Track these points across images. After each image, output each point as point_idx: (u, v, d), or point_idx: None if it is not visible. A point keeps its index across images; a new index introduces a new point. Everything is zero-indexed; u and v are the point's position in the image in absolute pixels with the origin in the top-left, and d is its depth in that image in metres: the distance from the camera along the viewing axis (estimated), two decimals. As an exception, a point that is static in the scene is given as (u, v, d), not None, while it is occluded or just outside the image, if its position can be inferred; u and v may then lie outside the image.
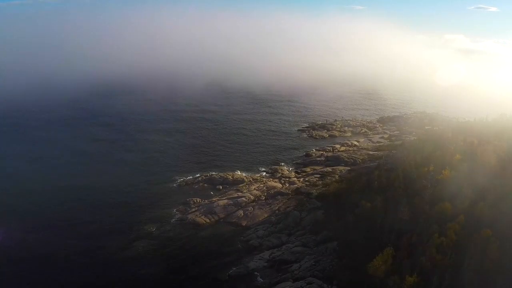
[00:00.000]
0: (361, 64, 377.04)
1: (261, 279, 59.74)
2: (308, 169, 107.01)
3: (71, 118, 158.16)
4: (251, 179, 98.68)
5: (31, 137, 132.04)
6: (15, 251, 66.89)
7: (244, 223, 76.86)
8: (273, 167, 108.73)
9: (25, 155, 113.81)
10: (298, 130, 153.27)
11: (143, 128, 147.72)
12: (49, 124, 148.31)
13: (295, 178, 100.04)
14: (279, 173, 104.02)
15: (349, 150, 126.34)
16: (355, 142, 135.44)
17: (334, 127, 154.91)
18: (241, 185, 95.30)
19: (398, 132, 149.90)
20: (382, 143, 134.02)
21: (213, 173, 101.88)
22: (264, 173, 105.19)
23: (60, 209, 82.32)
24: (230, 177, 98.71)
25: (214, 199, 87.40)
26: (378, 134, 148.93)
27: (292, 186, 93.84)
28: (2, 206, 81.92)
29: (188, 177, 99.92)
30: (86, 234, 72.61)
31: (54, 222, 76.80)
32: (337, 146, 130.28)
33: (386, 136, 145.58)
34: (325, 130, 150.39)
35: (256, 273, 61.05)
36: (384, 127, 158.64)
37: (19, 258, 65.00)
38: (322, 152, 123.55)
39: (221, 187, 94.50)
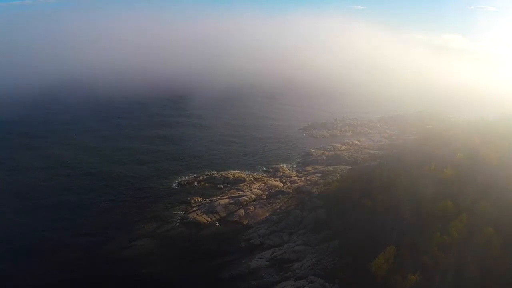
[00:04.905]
0: (359, 64, 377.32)
1: (262, 278, 59.49)
2: (309, 168, 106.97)
3: (62, 122, 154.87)
4: (252, 178, 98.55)
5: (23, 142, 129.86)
6: (14, 251, 66.65)
7: (245, 222, 76.73)
8: (274, 166, 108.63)
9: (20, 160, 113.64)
10: (299, 129, 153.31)
11: (141, 129, 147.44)
12: (35, 129, 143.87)
13: (296, 177, 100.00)
14: (280, 172, 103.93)
15: (350, 149, 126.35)
16: (356, 142, 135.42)
17: (335, 126, 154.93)
18: (242, 184, 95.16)
19: (399, 131, 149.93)
20: (383, 143, 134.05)
21: (214, 172, 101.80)
22: (265, 172, 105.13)
23: (59, 209, 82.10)
24: (231, 176, 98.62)
25: (215, 198, 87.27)
26: (379, 133, 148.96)
27: (293, 185, 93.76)
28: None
29: (189, 177, 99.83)
30: (87, 234, 72.40)
31: (54, 223, 76.59)
32: (338, 145, 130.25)
33: (387, 135, 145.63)
34: (326, 130, 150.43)
35: (257, 272, 60.80)
36: (385, 127, 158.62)
37: (19, 258, 64.81)
38: (323, 151, 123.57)
39: (222, 186, 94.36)
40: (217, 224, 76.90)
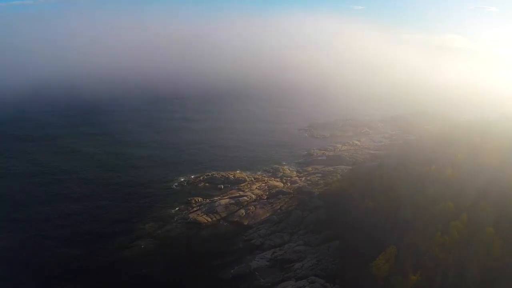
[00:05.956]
0: (359, 64, 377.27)
1: (263, 279, 59.55)
2: (309, 169, 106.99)
3: (57, 125, 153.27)
4: (252, 179, 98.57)
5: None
6: (15, 253, 66.52)
7: (245, 222, 76.77)
8: (274, 166, 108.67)
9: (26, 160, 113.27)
10: (299, 129, 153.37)
11: (138, 132, 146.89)
12: (30, 132, 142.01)
13: (297, 177, 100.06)
14: (281, 172, 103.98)
15: (351, 149, 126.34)
16: (357, 142, 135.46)
17: (336, 126, 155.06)
18: (242, 184, 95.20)
19: (399, 131, 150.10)
20: (383, 143, 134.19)
21: (214, 172, 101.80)
22: (266, 172, 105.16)
23: (60, 210, 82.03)
24: (231, 176, 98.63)
25: (215, 198, 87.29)
26: (379, 133, 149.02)
27: (293, 185, 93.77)
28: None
29: (189, 177, 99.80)
30: (88, 234, 72.51)
31: (55, 223, 76.62)
32: (339, 145, 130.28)
33: (387, 135, 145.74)
34: (326, 130, 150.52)
35: (258, 272, 60.90)
36: (386, 127, 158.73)
37: (19, 260, 64.72)
38: (323, 151, 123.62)
39: (222, 187, 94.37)
40: (218, 224, 76.91)
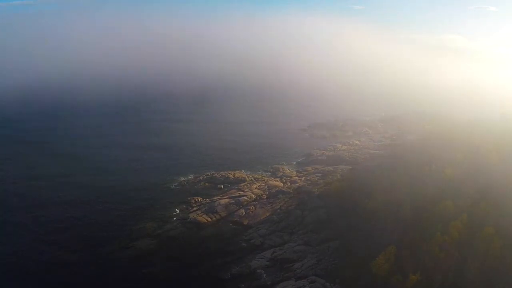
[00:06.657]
0: (359, 65, 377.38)
1: (263, 278, 59.47)
2: (309, 168, 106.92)
3: (51, 128, 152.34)
4: (252, 178, 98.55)
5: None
6: (13, 258, 65.92)
7: (245, 222, 76.67)
8: (274, 166, 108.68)
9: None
10: (299, 129, 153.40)
11: (139, 131, 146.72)
12: (25, 134, 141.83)
13: (297, 177, 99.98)
14: (281, 172, 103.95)
15: (351, 149, 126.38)
16: (357, 142, 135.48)
17: (336, 126, 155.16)
18: (242, 184, 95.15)
19: (399, 131, 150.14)
20: (383, 143, 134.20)
21: (214, 172, 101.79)
22: (265, 172, 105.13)
23: (58, 213, 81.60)
24: (231, 176, 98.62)
25: (215, 198, 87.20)
26: (379, 133, 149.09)
27: (293, 185, 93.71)
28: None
29: (189, 177, 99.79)
30: (87, 234, 72.40)
31: (53, 227, 76.20)
32: (339, 145, 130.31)
33: (387, 135, 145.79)
34: (326, 130, 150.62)
35: (258, 271, 60.80)
36: (386, 127, 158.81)
37: (18, 265, 64.24)
38: (323, 151, 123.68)
39: (222, 186, 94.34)
40: (218, 224, 76.76)
